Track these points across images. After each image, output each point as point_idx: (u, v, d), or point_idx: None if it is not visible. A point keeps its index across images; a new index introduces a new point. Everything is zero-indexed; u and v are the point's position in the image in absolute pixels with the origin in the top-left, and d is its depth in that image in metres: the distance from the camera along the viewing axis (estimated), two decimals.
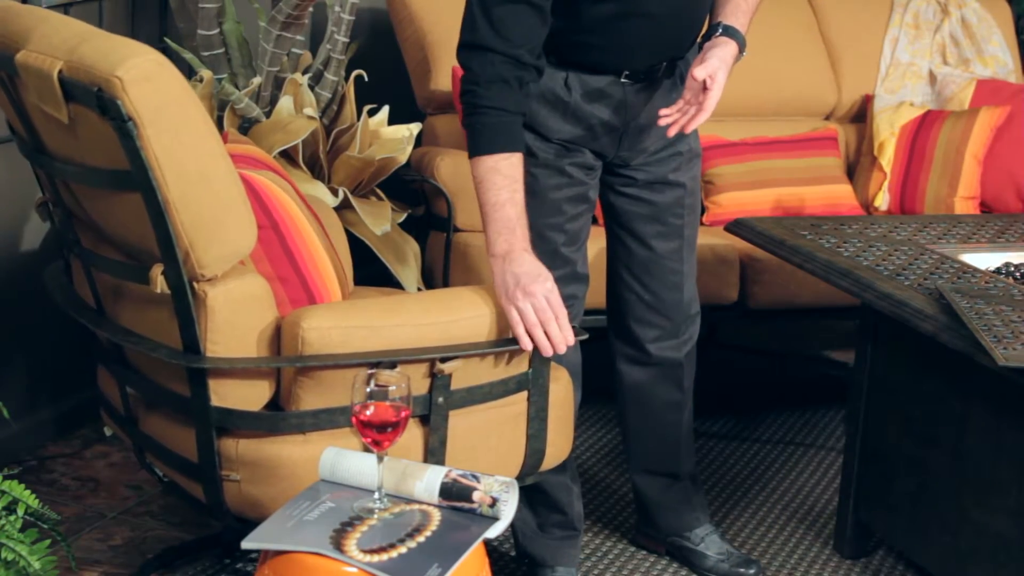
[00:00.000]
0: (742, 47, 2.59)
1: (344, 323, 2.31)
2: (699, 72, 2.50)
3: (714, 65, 2.52)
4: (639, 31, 2.58)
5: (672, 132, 2.56)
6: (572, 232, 2.71)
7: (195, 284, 2.27)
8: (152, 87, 2.16)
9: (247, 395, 2.34)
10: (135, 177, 2.20)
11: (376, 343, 2.31)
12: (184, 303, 2.27)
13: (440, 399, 2.37)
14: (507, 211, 2.41)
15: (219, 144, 2.27)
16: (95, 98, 2.16)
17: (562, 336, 2.36)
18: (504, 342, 2.40)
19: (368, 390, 2.02)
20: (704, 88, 2.51)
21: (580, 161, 2.68)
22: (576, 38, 2.58)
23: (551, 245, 2.69)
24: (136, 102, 2.14)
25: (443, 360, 2.34)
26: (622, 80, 2.63)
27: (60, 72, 2.22)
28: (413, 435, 2.38)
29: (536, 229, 2.68)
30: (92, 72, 2.17)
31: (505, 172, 2.42)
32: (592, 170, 2.71)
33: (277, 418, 2.33)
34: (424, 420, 2.39)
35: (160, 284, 2.26)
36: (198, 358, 2.29)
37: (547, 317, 2.34)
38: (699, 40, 2.66)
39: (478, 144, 2.44)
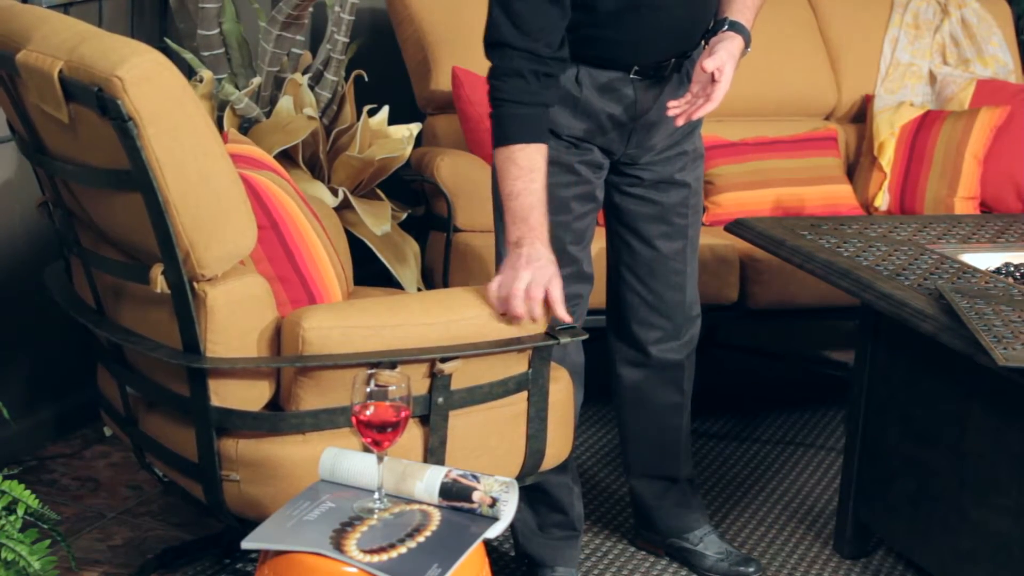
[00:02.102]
0: (747, 42, 2.61)
1: (344, 323, 2.31)
2: (708, 64, 2.52)
3: (722, 58, 2.53)
4: (650, 24, 2.59)
5: (680, 122, 2.58)
6: (579, 231, 2.72)
7: (195, 284, 2.27)
8: (152, 87, 2.16)
9: (247, 395, 2.34)
10: (135, 177, 2.20)
11: (376, 343, 2.31)
12: (184, 303, 2.27)
13: (440, 399, 2.37)
14: (520, 201, 2.45)
15: (219, 144, 2.26)
16: (95, 98, 2.15)
17: (520, 312, 2.39)
18: (504, 342, 2.40)
19: (368, 390, 2.02)
20: (712, 80, 2.53)
21: (589, 159, 2.69)
22: (589, 31, 2.59)
23: (559, 243, 2.69)
24: (136, 102, 2.14)
25: (443, 360, 2.33)
26: (632, 76, 2.64)
27: (60, 72, 2.21)
28: (413, 435, 2.38)
29: None
30: (92, 72, 2.17)
31: (521, 163, 2.46)
32: (600, 169, 2.72)
33: (277, 418, 2.33)
34: (424, 420, 2.39)
35: (160, 284, 2.26)
36: (198, 358, 2.29)
37: (516, 291, 2.38)
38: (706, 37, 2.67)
39: (496, 136, 2.50)
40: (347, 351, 2.29)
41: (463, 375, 2.38)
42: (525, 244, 2.43)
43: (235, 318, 2.30)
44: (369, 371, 2.06)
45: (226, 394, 2.32)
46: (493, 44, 2.50)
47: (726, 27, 2.60)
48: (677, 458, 2.98)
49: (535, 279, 2.39)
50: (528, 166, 2.46)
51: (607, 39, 2.60)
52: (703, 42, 2.67)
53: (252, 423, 2.34)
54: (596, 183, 2.73)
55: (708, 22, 2.68)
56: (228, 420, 2.33)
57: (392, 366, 2.26)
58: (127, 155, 2.18)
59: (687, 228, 2.81)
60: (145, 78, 2.15)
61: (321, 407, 2.32)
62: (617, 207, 2.81)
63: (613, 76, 2.64)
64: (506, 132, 2.48)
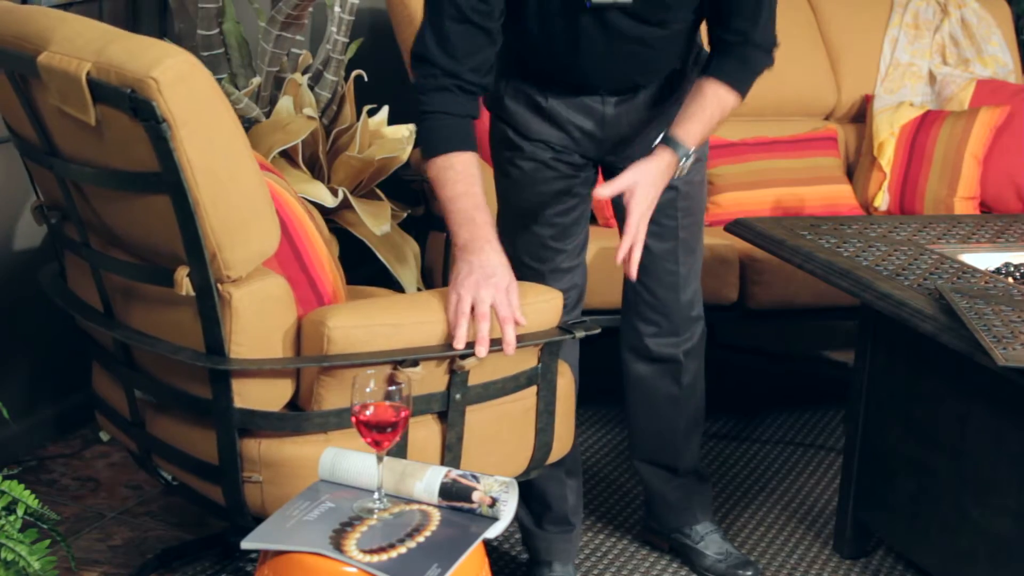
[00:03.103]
0: (683, 156, 2.54)
1: (368, 322, 2.31)
2: (600, 191, 2.46)
3: (626, 182, 2.47)
4: (589, 67, 2.58)
5: (632, 274, 2.50)
6: (561, 226, 2.73)
7: (220, 285, 2.26)
8: (186, 88, 2.15)
9: (269, 396, 2.34)
10: (165, 179, 2.18)
11: (399, 341, 2.31)
12: (210, 305, 2.25)
13: (458, 395, 2.38)
14: (463, 203, 2.39)
15: (247, 145, 2.26)
16: (127, 100, 2.13)
17: (487, 339, 2.30)
18: (521, 337, 2.41)
19: (368, 390, 2.02)
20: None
21: (565, 159, 2.70)
22: (535, 66, 2.61)
23: (538, 238, 2.72)
24: (171, 103, 2.13)
25: (463, 357, 2.34)
26: (600, 94, 2.64)
27: (88, 74, 2.20)
28: (431, 431, 2.40)
29: (523, 221, 2.71)
30: (124, 73, 2.15)
31: (458, 167, 2.41)
32: (580, 167, 2.72)
33: (301, 418, 2.33)
34: (442, 416, 2.40)
35: (185, 286, 2.25)
36: (223, 360, 2.28)
37: (481, 313, 2.30)
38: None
39: (428, 147, 2.45)
40: (371, 349, 2.29)
41: (478, 371, 2.39)
42: (475, 250, 2.35)
43: (258, 319, 2.29)
44: (369, 371, 2.06)
45: (248, 395, 2.32)
46: (418, 58, 2.46)
47: (657, 141, 2.55)
48: (676, 449, 2.98)
49: (497, 299, 2.31)
50: (466, 171, 2.41)
51: (552, 74, 2.60)
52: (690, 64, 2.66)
53: (277, 424, 2.33)
54: (578, 178, 2.72)
55: (668, 56, 2.63)
56: (251, 421, 2.33)
57: (415, 363, 2.27)
58: (158, 157, 2.17)
59: (677, 230, 2.80)
60: (180, 79, 2.14)
61: (345, 406, 2.31)
62: (615, 204, 2.82)
63: (580, 96, 2.63)
64: (439, 141, 2.43)
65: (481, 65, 2.46)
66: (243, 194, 2.24)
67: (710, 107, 2.57)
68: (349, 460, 2.12)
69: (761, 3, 2.56)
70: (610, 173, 2.74)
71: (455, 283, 2.35)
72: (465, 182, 2.40)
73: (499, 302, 2.32)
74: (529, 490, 2.82)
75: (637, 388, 2.95)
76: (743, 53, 2.59)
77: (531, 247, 2.72)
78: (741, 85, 2.60)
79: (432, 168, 2.44)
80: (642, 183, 2.48)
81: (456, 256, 2.39)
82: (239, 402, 2.31)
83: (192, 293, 2.25)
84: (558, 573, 2.88)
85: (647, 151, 2.68)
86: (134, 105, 2.13)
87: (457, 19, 2.41)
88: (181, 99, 2.14)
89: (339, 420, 2.32)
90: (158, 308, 2.40)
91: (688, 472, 3.01)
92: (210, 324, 2.27)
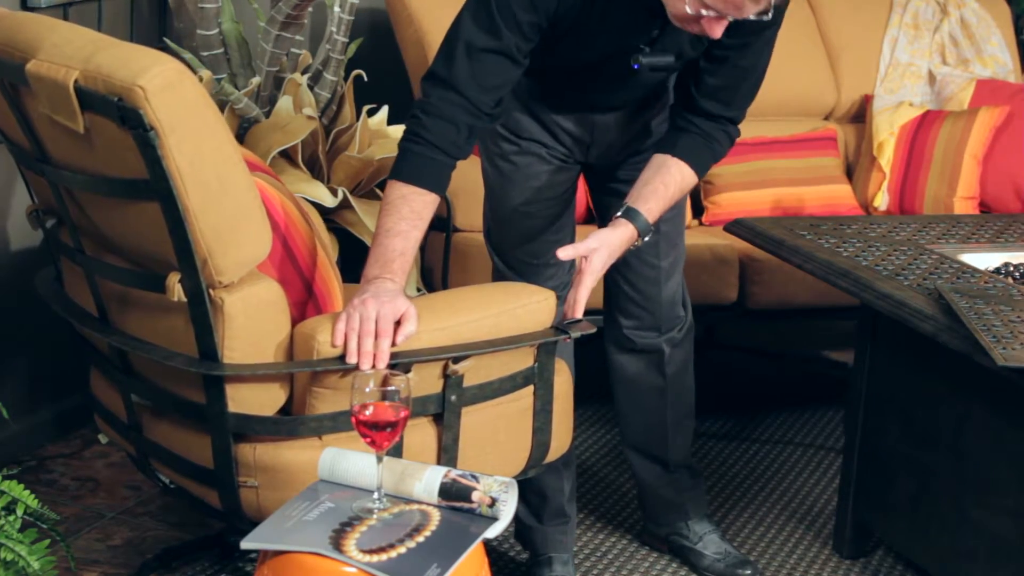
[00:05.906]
0: (643, 232, 2.55)
1: None
2: (562, 253, 2.46)
3: (588, 246, 2.47)
4: (597, 95, 2.63)
5: (573, 315, 2.49)
6: (553, 217, 2.77)
7: (211, 291, 2.26)
8: (174, 95, 2.14)
9: (263, 400, 2.33)
10: (154, 186, 2.18)
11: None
12: (202, 310, 2.24)
13: (453, 397, 2.38)
14: (394, 242, 2.35)
15: (236, 150, 2.25)
16: (115, 108, 2.13)
17: (370, 353, 2.25)
18: (515, 339, 2.41)
19: (367, 390, 2.02)
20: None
21: (556, 154, 2.73)
22: (540, 87, 2.65)
23: (532, 232, 2.75)
24: (158, 111, 2.12)
25: (456, 361, 2.34)
26: (593, 111, 2.68)
27: (76, 82, 2.19)
28: (427, 433, 2.39)
29: (516, 216, 2.75)
30: (111, 81, 2.14)
31: (414, 206, 2.38)
32: (566, 161, 2.76)
33: (297, 422, 2.32)
34: (437, 419, 2.40)
35: (177, 292, 2.24)
36: (217, 365, 2.27)
37: (366, 329, 2.25)
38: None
39: (402, 169, 2.40)
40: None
41: (474, 372, 2.39)
42: (377, 283, 2.31)
43: (251, 324, 2.28)
44: (367, 372, 2.06)
45: (242, 400, 2.31)
46: (438, 80, 2.40)
47: (620, 213, 2.55)
48: (664, 441, 2.99)
49: (380, 313, 2.26)
50: (419, 211, 2.38)
51: (560, 93, 2.66)
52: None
53: (272, 428, 2.33)
54: (567, 171, 2.75)
55: (651, 87, 2.68)
56: (246, 426, 2.32)
57: (407, 369, 2.27)
58: (146, 164, 2.16)
59: (659, 223, 2.80)
60: (167, 87, 2.13)
61: (339, 410, 2.31)
62: (594, 198, 2.87)
63: (572, 111, 2.68)
64: (412, 171, 2.39)
65: (502, 98, 2.44)
66: (233, 200, 2.24)
67: (674, 186, 2.61)
68: (349, 460, 2.12)
69: (753, 90, 2.65)
70: (590, 173, 2.81)
71: (349, 304, 2.31)
72: (409, 221, 2.37)
73: (381, 315, 2.26)
74: (527, 483, 2.82)
75: (623, 380, 2.97)
76: (713, 136, 2.65)
77: (525, 242, 2.76)
78: (703, 170, 2.66)
79: (392, 189, 2.39)
80: (601, 250, 2.49)
81: (361, 282, 2.35)
82: (233, 407, 2.31)
83: (184, 299, 2.24)
84: (558, 573, 2.88)
85: (627, 153, 2.76)
86: (122, 113, 2.12)
87: (497, 51, 2.38)
88: (169, 107, 2.13)
89: (334, 423, 2.32)
90: (152, 314, 2.40)
91: (679, 467, 3.02)
92: (202, 330, 2.26)
